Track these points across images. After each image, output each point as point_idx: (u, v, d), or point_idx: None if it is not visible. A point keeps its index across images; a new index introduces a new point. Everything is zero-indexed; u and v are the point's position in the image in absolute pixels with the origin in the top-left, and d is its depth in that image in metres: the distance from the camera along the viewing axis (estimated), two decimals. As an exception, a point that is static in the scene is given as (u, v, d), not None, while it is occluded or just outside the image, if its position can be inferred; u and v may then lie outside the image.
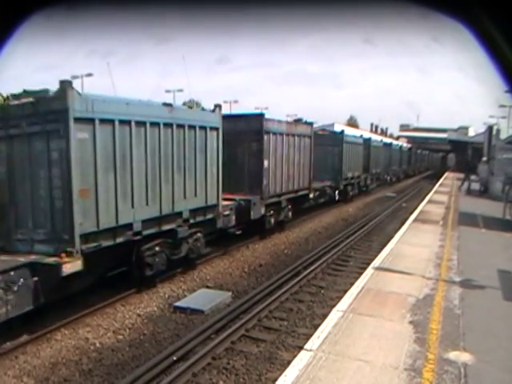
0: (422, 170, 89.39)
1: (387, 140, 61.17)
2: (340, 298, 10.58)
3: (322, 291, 13.05)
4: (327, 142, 30.07)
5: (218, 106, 15.15)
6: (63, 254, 9.45)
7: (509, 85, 1.69)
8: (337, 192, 29.83)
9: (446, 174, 68.11)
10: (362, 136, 39.81)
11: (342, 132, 32.41)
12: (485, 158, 48.05)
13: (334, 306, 9.86)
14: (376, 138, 50.15)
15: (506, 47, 1.59)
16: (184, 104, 17.33)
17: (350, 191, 33.45)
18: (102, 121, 10.32)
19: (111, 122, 10.62)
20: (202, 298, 12.19)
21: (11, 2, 1.84)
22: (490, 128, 47.97)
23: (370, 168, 40.37)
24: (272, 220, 19.85)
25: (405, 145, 74.29)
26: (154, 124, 11.99)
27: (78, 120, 9.66)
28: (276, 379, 6.68)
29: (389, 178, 51.35)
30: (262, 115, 18.75)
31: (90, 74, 43.11)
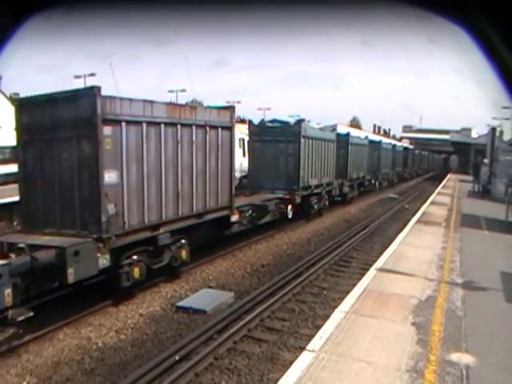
0: (422, 172, 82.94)
1: (375, 137, 51.69)
2: (342, 299, 10.57)
3: (324, 292, 13.05)
4: (278, 138, 22.52)
5: None
6: None
7: (507, 87, 1.69)
8: (290, 207, 21.93)
9: (448, 176, 67.90)
10: (334, 130, 32.27)
11: (299, 122, 23.52)
12: (486, 160, 47.95)
13: (336, 306, 9.85)
14: (358, 133, 43.41)
15: (504, 49, 1.60)
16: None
17: (314, 204, 24.98)
18: None
19: None
20: (205, 297, 12.20)
21: (10, 3, 1.85)
22: (493, 130, 47.81)
23: (350, 172, 32.18)
24: (137, 271, 11.55)
25: (399, 144, 66.63)
26: None
27: None
28: (278, 380, 6.68)
29: (377, 183, 42.63)
30: (94, 89, 10.16)
31: (92, 74, 43.25)
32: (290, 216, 21.96)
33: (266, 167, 22.29)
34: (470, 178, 58.01)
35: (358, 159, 34.25)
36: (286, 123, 23.82)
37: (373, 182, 40.98)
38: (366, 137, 40.48)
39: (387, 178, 48.40)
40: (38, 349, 9.19)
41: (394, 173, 52.18)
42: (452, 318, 9.06)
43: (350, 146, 31.87)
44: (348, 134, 32.59)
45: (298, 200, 22.39)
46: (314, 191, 24.78)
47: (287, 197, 21.81)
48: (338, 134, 30.91)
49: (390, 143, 54.16)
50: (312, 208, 24.73)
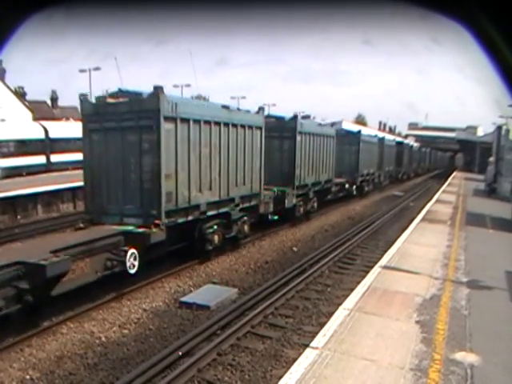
0: (422, 172, 74.02)
1: (349, 127, 40.92)
2: (346, 296, 10.55)
3: (328, 289, 13.01)
4: (126, 123, 12.61)
5: None
6: None
7: (508, 86, 1.67)
8: (131, 254, 11.54)
9: (454, 174, 67.57)
10: (261, 109, 18.29)
11: (157, 92, 12.25)
12: (491, 159, 47.84)
13: (340, 304, 9.83)
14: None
15: (505, 48, 1.58)
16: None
17: (212, 235, 14.80)
18: None
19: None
20: (208, 293, 12.18)
21: (9, 2, 1.83)
22: (499, 128, 47.58)
23: (300, 175, 21.71)
24: None
25: (391, 137, 55.62)
26: None
27: None
28: (281, 377, 6.66)
29: (354, 187, 32.43)
30: None
31: (97, 68, 43.30)
32: (132, 271, 11.56)
33: (109, 176, 12.91)
34: (476, 176, 57.96)
35: (316, 156, 23.79)
36: (136, 94, 13.02)
37: (347, 186, 30.94)
38: (333, 124, 30.13)
39: (372, 180, 38.39)
40: (41, 343, 9.21)
41: (381, 173, 42.14)
42: (457, 316, 9.02)
43: (298, 137, 21.26)
44: (295, 119, 21.77)
45: (159, 236, 12.10)
46: (210, 213, 14.65)
47: (140, 230, 12.13)
48: (272, 116, 21.90)
49: (376, 136, 42.51)
50: (208, 242, 14.61)
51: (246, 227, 17.11)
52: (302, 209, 22.64)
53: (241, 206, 16.66)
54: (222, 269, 14.77)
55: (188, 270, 14.14)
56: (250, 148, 16.97)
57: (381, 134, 49.52)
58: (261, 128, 17.71)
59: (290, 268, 14.56)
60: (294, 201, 21.24)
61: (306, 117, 29.48)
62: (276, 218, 20.02)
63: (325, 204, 27.16)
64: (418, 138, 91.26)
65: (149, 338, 9.73)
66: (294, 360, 7.31)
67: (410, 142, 72.75)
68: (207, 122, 14.18)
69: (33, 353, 8.81)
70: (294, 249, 18.02)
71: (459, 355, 7.28)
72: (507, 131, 44.30)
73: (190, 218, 13.77)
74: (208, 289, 12.66)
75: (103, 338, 9.61)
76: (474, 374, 6.70)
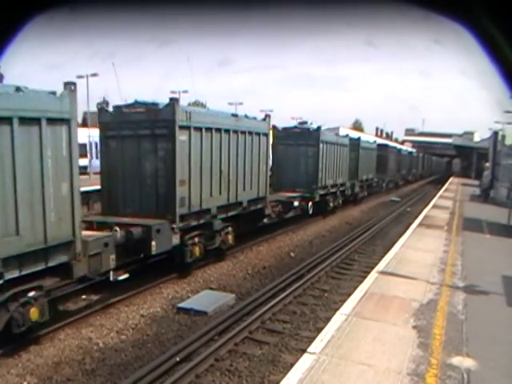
0: (413, 179, 67.56)
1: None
2: (344, 301, 10.55)
3: (326, 294, 13.03)
4: None
5: None
6: None
7: (510, 87, 1.69)
8: None
9: (450, 180, 67.68)
10: (71, 85, 9.69)
11: None
12: (487, 164, 48.03)
13: (338, 309, 9.85)
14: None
15: (508, 50, 1.60)
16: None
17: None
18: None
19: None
20: (206, 299, 12.19)
21: (13, 3, 1.86)
22: (496, 134, 47.74)
23: (189, 198, 13.51)
24: None
25: (370, 139, 46.39)
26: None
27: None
28: (279, 382, 6.68)
29: (310, 205, 24.24)
30: None
31: (94, 74, 43.15)
32: None
33: None
34: (473, 181, 58.15)
35: (228, 165, 15.86)
36: None
37: (296, 204, 22.80)
38: (265, 119, 19.16)
39: (341, 193, 29.98)
40: (39, 349, 9.19)
41: (356, 183, 33.84)
42: (453, 321, 9.05)
43: (183, 136, 13.40)
44: (172, 103, 13.12)
45: None
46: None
47: None
48: (139, 104, 13.56)
49: (347, 135, 33.92)
50: None
51: (33, 311, 8.81)
52: (197, 249, 14.15)
53: (15, 274, 8.44)
54: (219, 274, 14.77)
55: (185, 276, 14.10)
56: (30, 161, 8.71)
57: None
58: (68, 120, 9.47)
59: (287, 273, 14.58)
60: (177, 240, 13.21)
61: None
62: (124, 277, 11.81)
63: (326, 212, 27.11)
64: (414, 143, 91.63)
65: (146, 343, 9.73)
66: (292, 365, 7.31)
67: (380, 140, 70.30)
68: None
69: (31, 359, 8.79)
70: (292, 254, 18.05)
71: (456, 360, 7.31)
72: (503, 137, 44.50)
73: None
74: (205, 294, 12.66)
75: (101, 344, 9.60)
76: (470, 378, 6.73)
